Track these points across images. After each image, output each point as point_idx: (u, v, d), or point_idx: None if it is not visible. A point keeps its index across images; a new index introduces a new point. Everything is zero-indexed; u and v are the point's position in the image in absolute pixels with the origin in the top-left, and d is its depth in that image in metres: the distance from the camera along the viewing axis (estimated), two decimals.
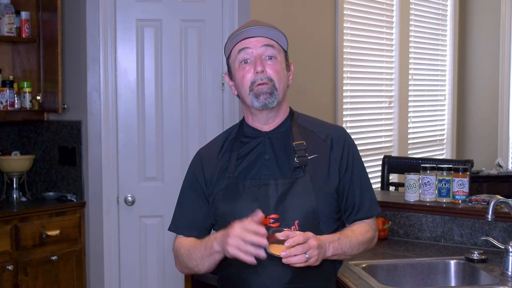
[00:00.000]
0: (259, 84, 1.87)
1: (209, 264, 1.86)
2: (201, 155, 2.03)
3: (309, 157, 1.89)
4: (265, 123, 1.95)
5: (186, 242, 1.95)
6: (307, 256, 1.70)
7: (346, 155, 1.94)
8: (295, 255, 1.69)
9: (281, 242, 1.70)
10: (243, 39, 1.91)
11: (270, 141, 1.93)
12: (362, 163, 2.01)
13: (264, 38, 1.90)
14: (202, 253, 1.85)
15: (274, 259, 1.73)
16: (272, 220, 1.83)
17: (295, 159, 1.88)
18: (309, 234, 1.73)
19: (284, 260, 1.69)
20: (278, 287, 1.84)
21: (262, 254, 1.68)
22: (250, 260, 1.69)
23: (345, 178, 1.93)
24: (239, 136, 1.98)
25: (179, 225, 2.01)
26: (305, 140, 1.92)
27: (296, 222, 1.83)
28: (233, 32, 1.95)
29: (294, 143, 1.90)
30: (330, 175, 1.90)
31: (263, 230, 1.69)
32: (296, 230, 1.80)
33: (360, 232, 1.93)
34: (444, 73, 6.71)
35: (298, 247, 1.69)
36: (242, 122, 2.02)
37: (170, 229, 2.04)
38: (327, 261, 1.87)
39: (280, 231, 1.72)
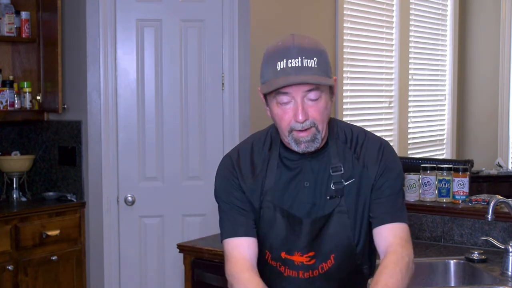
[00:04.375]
0: (299, 131, 1.68)
1: None
2: (236, 167, 1.83)
3: (345, 183, 1.76)
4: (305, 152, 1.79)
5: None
6: None
7: (379, 177, 1.78)
8: None
9: None
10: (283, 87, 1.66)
11: (310, 164, 1.78)
12: (399, 183, 1.83)
13: (307, 84, 1.66)
14: None
15: (320, 282, 1.77)
16: (308, 259, 1.78)
17: (332, 186, 1.76)
18: None
19: None
20: None
21: None
22: None
23: (375, 202, 1.80)
24: (275, 156, 1.80)
25: (234, 229, 1.82)
26: (343, 161, 1.78)
27: (332, 256, 1.78)
28: (271, 56, 1.70)
29: (331, 167, 1.77)
30: (365, 202, 1.79)
31: None
32: (332, 264, 1.78)
33: (396, 279, 1.70)
34: (444, 73, 6.70)
35: None
36: (277, 138, 1.81)
37: (225, 237, 1.83)
38: (362, 276, 1.85)
39: None
